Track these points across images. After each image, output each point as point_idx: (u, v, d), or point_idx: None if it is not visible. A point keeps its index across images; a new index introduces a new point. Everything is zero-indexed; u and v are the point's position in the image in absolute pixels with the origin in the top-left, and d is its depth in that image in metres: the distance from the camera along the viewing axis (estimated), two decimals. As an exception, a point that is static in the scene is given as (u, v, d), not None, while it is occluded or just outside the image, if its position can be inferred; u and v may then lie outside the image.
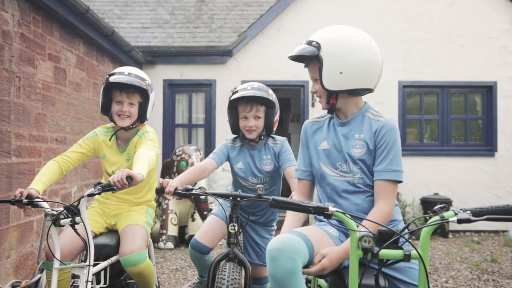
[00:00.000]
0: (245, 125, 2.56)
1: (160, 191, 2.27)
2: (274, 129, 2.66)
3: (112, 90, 2.54)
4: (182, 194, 2.23)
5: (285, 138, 2.69)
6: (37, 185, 2.31)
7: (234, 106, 2.61)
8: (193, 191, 2.26)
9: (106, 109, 2.60)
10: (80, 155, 2.58)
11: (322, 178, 1.94)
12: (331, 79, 1.82)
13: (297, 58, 1.95)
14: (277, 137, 2.68)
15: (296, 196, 2.05)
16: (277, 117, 2.65)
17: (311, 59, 1.89)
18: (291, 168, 2.45)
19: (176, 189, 2.24)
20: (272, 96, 2.58)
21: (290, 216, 1.98)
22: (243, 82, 7.26)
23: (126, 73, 2.51)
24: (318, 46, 1.83)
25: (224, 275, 2.12)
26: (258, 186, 2.22)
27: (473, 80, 7.32)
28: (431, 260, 5.24)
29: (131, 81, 2.48)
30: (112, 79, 2.48)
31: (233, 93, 2.57)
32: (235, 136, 2.73)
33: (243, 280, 2.29)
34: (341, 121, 1.95)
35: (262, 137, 2.63)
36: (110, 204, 2.67)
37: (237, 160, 2.66)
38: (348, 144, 1.89)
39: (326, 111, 2.00)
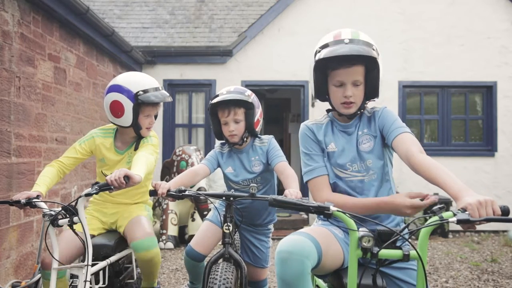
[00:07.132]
0: (226, 131, 2.57)
1: (154, 193, 2.29)
2: (257, 129, 2.64)
3: (142, 106, 2.56)
4: (175, 196, 2.23)
5: (271, 136, 2.69)
6: (40, 188, 2.33)
7: (215, 112, 2.61)
8: (186, 192, 2.24)
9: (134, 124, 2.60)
10: (75, 160, 2.59)
11: (337, 180, 1.92)
12: (378, 87, 1.86)
13: (335, 57, 1.75)
14: (263, 136, 2.67)
15: (330, 196, 1.86)
16: (258, 117, 2.63)
17: (357, 62, 1.81)
18: (281, 164, 2.45)
19: (168, 190, 2.24)
20: (250, 97, 2.55)
21: None
22: (243, 82, 7.26)
23: (160, 88, 2.73)
24: (377, 52, 1.81)
25: (217, 275, 2.11)
26: (251, 185, 2.21)
27: (473, 80, 7.32)
28: (432, 260, 5.23)
29: (164, 96, 2.70)
30: (144, 97, 2.56)
31: (212, 99, 2.56)
32: (223, 141, 2.73)
33: (238, 280, 2.29)
34: (343, 124, 1.96)
35: (246, 139, 2.61)
36: (107, 205, 2.69)
37: (227, 165, 2.66)
38: (357, 142, 1.90)
39: (326, 113, 2.03)
